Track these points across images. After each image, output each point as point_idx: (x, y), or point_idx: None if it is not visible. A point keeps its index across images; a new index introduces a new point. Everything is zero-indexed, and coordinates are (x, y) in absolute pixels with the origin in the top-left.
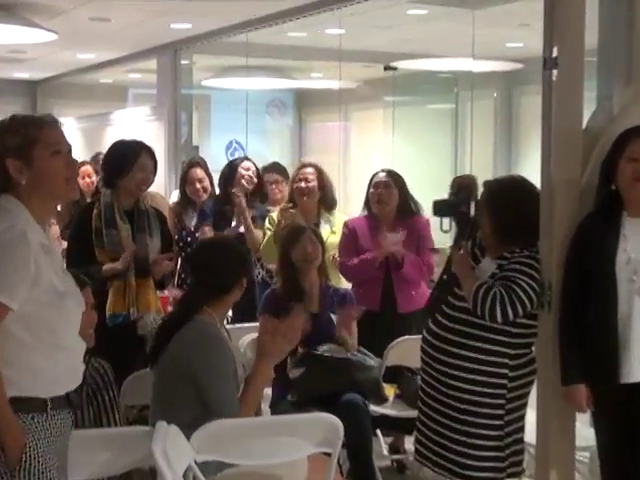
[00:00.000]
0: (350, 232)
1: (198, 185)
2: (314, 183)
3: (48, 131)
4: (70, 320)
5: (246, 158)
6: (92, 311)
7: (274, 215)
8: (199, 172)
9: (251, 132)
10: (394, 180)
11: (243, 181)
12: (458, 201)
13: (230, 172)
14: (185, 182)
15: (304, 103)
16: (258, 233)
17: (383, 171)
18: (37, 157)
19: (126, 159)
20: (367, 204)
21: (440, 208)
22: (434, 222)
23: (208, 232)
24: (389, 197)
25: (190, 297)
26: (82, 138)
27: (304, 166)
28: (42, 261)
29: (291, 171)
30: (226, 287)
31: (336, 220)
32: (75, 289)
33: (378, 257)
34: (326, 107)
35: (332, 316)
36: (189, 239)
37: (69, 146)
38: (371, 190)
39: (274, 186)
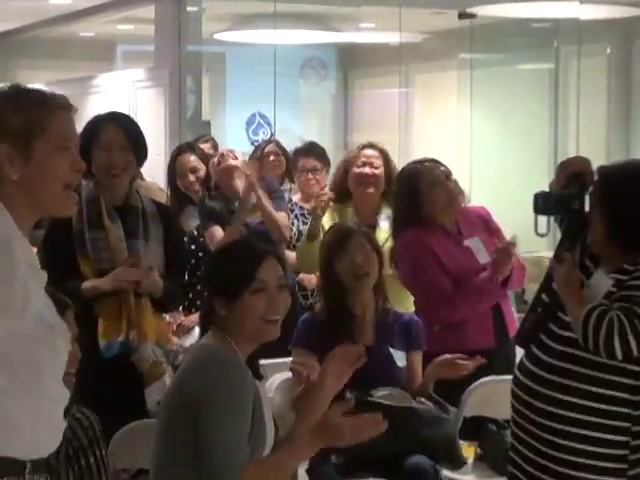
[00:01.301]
0: (429, 249)
1: (191, 177)
2: (381, 170)
3: (61, 119)
4: (58, 362)
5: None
6: (75, 345)
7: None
8: (192, 160)
9: (280, 102)
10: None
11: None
12: (570, 195)
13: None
14: (174, 174)
15: (351, 63)
16: (281, 216)
17: (432, 162)
18: (38, 150)
19: (86, 137)
20: (415, 209)
21: (544, 204)
22: (525, 222)
23: (217, 234)
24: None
25: (204, 317)
26: None
27: (365, 147)
28: (31, 285)
29: (334, 156)
30: (227, 293)
31: None
32: (59, 319)
33: (497, 274)
34: (381, 68)
35: (391, 350)
36: (193, 246)
37: (77, 140)
38: (432, 188)
39: (310, 175)
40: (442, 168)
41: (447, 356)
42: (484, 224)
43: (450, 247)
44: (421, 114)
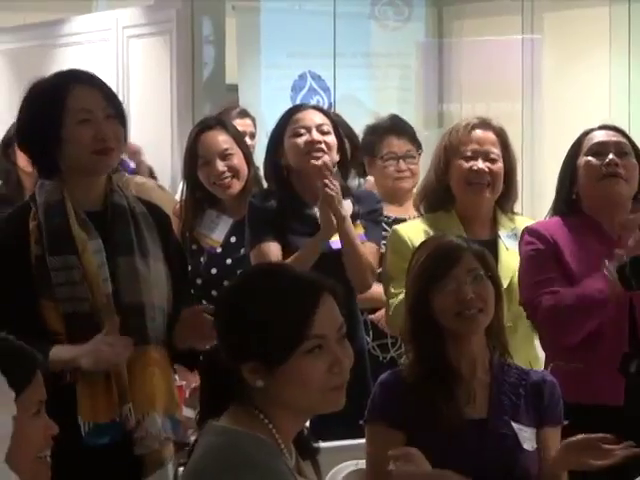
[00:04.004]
0: (547, 245)
1: (221, 165)
2: (500, 164)
3: None
4: None
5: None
6: (45, 417)
7: (402, 230)
8: (222, 140)
9: (342, 57)
10: (628, 142)
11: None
12: None
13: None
14: (194, 162)
15: None
16: (369, 248)
17: (604, 128)
18: None
19: (47, 111)
20: (569, 197)
21: None
22: None
23: (271, 254)
24: (631, 175)
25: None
26: (8, 71)
27: (475, 127)
28: None
29: (423, 136)
30: (265, 357)
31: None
32: None
33: (608, 289)
34: (493, 4)
35: (515, 426)
36: (214, 270)
37: None
38: (589, 162)
39: (403, 164)
40: (620, 140)
41: (585, 437)
42: None
43: (590, 245)
44: (554, 71)
